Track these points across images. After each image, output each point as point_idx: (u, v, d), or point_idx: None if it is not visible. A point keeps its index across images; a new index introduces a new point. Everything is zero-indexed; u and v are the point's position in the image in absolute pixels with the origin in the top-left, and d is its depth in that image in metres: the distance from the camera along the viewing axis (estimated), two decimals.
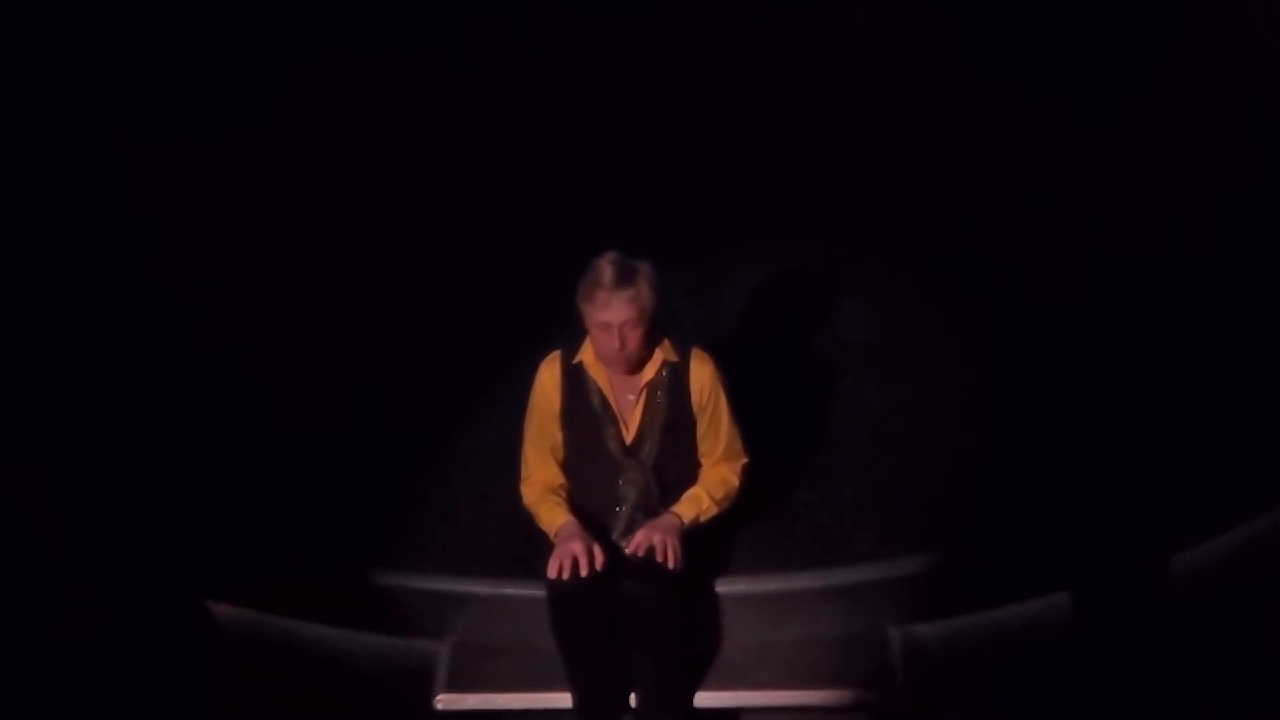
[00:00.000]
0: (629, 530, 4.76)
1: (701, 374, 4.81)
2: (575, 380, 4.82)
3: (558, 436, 4.84)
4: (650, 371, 4.78)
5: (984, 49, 6.51)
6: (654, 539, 4.62)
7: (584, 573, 4.52)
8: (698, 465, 4.89)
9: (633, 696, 4.74)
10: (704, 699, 4.88)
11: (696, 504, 4.82)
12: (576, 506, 4.80)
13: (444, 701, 4.95)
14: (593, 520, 4.78)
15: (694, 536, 4.78)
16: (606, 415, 4.81)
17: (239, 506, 5.22)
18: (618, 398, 4.82)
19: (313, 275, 5.98)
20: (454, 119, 6.56)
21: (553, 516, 4.75)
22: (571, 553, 4.53)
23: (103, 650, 4.71)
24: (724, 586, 5.00)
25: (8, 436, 5.05)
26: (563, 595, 4.56)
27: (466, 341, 5.82)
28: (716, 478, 4.88)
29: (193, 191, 6.08)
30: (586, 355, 4.79)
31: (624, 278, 4.59)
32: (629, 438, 4.82)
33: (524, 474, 4.91)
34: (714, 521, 4.87)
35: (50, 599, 4.72)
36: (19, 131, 5.86)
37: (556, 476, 4.86)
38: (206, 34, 6.52)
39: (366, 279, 6.04)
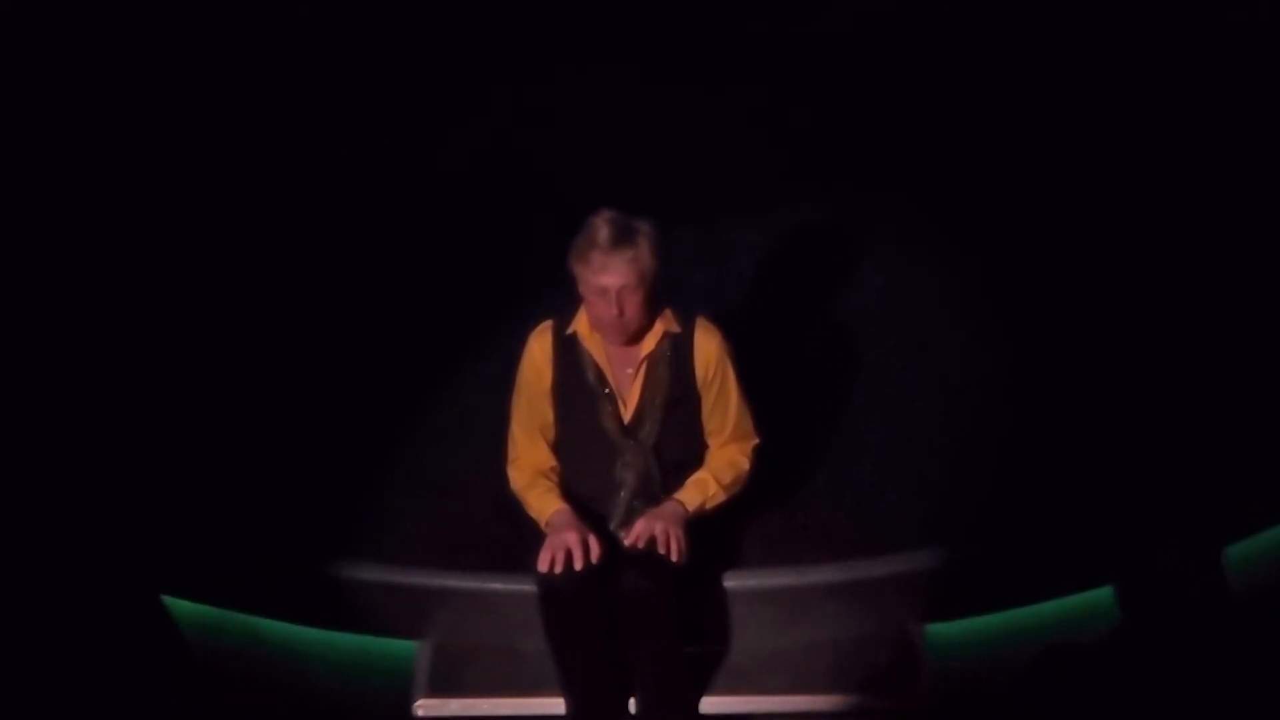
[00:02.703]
0: (628, 519, 4.38)
1: (707, 346, 4.41)
2: (568, 353, 4.42)
3: (549, 415, 4.46)
4: (650, 343, 4.39)
5: (1009, 7, 6.30)
6: (655, 529, 4.26)
7: (578, 566, 4.17)
8: (703, 447, 4.51)
9: (632, 702, 4.34)
10: (710, 704, 4.51)
11: (702, 490, 4.42)
12: (570, 492, 4.44)
13: (424, 707, 4.57)
14: (588, 508, 4.41)
15: (699, 526, 4.40)
16: (602, 392, 4.41)
17: (195, 493, 4.87)
18: (615, 372, 4.41)
19: (281, 245, 5.69)
20: (447, 70, 6.36)
21: (544, 503, 4.38)
22: (564, 544, 4.19)
23: (61, 651, 4.43)
24: (732, 581, 4.62)
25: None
26: (555, 591, 4.20)
27: (449, 310, 5.46)
28: (724, 460, 4.48)
29: (190, 188, 5.86)
30: (581, 325, 4.40)
31: (622, 238, 4.20)
32: (627, 416, 4.41)
33: (511, 456, 4.52)
34: (721, 509, 4.48)
35: (49, 599, 4.53)
36: (19, 131, 5.73)
37: (548, 459, 4.49)
38: (206, 33, 6.32)
39: (337, 242, 5.72)
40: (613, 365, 4.38)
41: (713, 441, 4.46)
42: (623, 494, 4.40)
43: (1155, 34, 6.10)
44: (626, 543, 4.27)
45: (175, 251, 5.61)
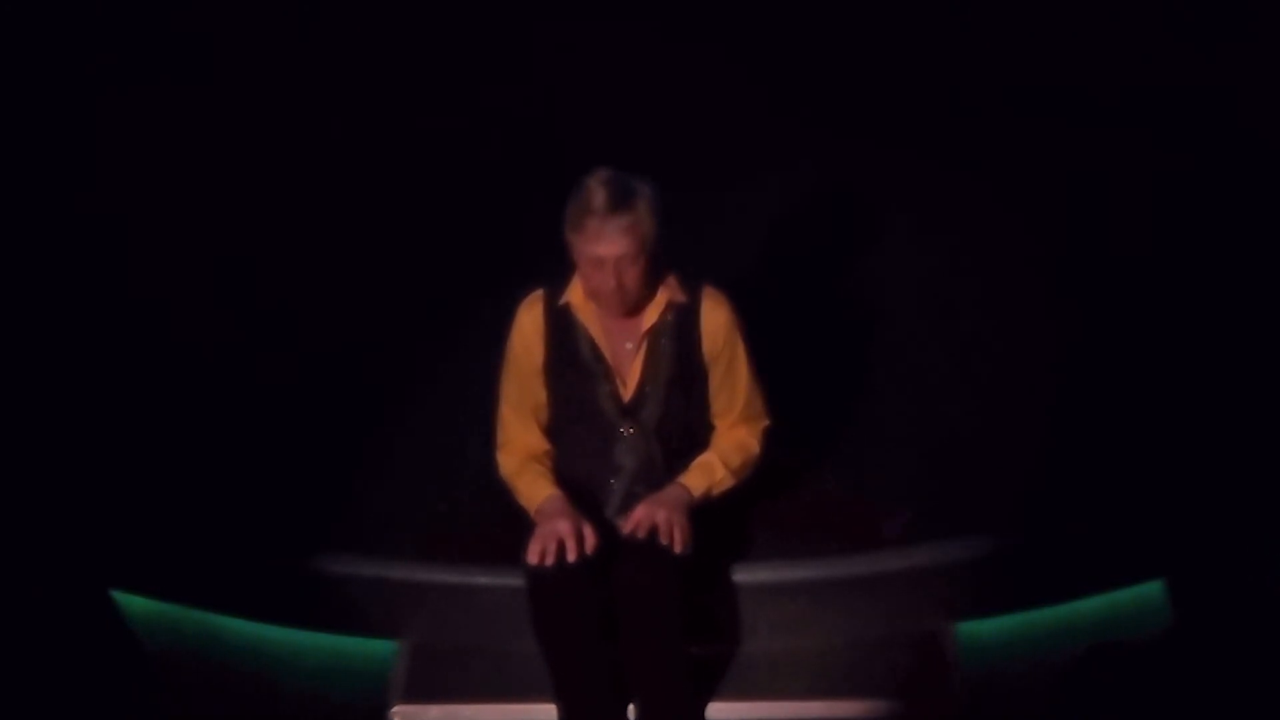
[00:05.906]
0: (627, 506, 4.16)
1: (715, 318, 4.18)
2: (562, 326, 4.18)
3: (541, 394, 4.23)
4: (653, 315, 4.14)
5: None
6: (657, 516, 4.02)
7: (572, 557, 3.94)
8: (710, 428, 4.28)
9: (631, 707, 4.12)
10: (717, 710, 4.29)
11: (708, 474, 4.19)
12: (564, 478, 4.21)
13: (401, 713, 4.37)
14: (583, 494, 4.19)
15: (705, 514, 4.17)
16: (599, 368, 4.17)
17: (148, 477, 4.67)
18: (613, 346, 4.17)
19: (243, 220, 5.54)
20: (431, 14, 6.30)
21: (535, 490, 4.15)
22: (556, 533, 3.96)
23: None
24: (742, 575, 4.42)
25: None
26: (546, 585, 3.97)
27: (428, 279, 5.34)
28: (732, 443, 4.24)
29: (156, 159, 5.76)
30: (575, 295, 4.16)
31: (619, 202, 3.94)
32: (627, 395, 4.18)
33: (501, 439, 4.29)
34: (729, 495, 4.26)
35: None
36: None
37: (540, 442, 4.26)
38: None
39: (304, 210, 5.56)
40: (611, 339, 4.16)
41: (720, 422, 4.24)
42: (621, 479, 4.18)
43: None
44: (625, 531, 4.04)
45: (131, 233, 5.47)
